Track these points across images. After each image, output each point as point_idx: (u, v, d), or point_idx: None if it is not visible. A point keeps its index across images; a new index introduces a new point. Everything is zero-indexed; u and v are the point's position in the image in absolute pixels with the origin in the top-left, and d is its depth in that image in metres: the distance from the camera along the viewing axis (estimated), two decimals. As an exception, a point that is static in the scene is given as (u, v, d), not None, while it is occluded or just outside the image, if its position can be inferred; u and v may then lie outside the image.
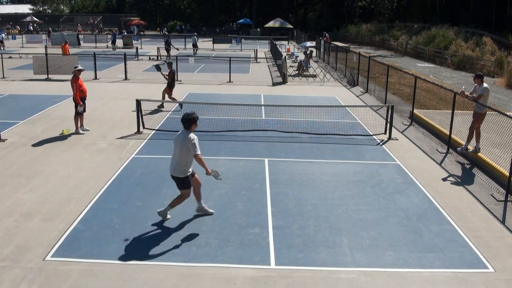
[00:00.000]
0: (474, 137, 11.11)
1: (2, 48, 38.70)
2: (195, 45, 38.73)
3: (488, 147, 11.04)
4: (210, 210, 7.73)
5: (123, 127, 13.22)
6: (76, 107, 12.44)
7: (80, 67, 12.56)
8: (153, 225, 7.30)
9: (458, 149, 11.40)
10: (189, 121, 7.06)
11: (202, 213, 7.70)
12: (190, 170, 7.26)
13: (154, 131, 12.81)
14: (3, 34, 42.43)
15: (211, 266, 6.18)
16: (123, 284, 5.75)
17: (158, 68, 16.30)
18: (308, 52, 30.34)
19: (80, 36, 46.81)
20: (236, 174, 9.65)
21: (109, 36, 46.35)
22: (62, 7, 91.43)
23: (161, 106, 15.84)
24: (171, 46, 32.45)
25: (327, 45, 33.60)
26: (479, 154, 10.81)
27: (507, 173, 8.83)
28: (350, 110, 15.88)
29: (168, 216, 7.52)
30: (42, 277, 5.83)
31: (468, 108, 12.39)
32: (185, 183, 7.25)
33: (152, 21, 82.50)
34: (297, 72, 25.88)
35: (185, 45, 43.68)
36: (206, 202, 8.18)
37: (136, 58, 31.04)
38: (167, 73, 15.85)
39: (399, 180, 9.59)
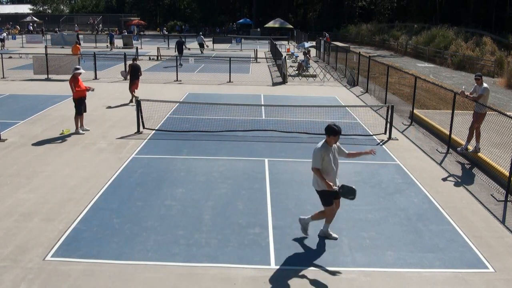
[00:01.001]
0: (474, 137, 11.11)
1: (2, 48, 38.77)
2: (202, 45, 38.68)
3: (488, 147, 11.04)
4: (334, 235, 7.04)
5: (123, 127, 13.22)
6: (75, 106, 12.45)
7: (80, 71, 12.54)
8: (153, 225, 7.30)
9: (458, 149, 11.40)
10: (325, 130, 6.57)
11: (322, 236, 7.04)
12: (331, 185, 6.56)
13: (154, 131, 12.81)
14: (5, 34, 42.56)
15: (211, 266, 6.17)
16: (123, 284, 5.75)
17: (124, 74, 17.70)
18: (306, 51, 30.35)
19: (80, 36, 46.83)
20: (236, 174, 9.65)
21: (107, 36, 46.33)
22: (62, 7, 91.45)
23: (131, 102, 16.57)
24: (184, 47, 30.01)
25: (327, 45, 33.60)
26: (479, 154, 10.81)
27: (507, 173, 8.83)
28: (350, 110, 15.88)
29: (334, 235, 7.01)
30: (42, 277, 5.83)
31: (468, 108, 12.39)
32: (321, 198, 6.74)
33: (152, 21, 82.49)
34: (297, 72, 25.88)
35: (185, 45, 43.62)
36: (206, 202, 8.20)
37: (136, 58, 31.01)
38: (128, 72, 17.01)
39: (399, 180, 9.58)
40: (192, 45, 43.85)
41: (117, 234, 6.97)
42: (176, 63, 23.61)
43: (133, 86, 16.81)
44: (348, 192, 6.51)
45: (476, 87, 11.06)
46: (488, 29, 40.17)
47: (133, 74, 16.74)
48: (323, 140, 6.61)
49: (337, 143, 6.69)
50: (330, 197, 6.68)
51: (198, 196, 8.44)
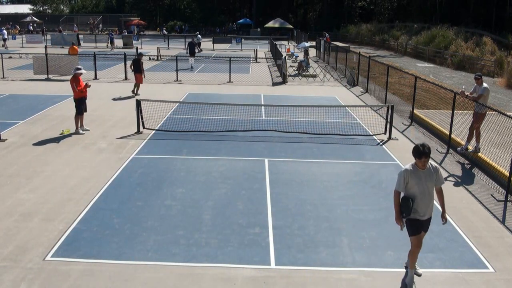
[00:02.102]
0: (474, 137, 11.11)
1: (5, 47, 38.91)
2: (199, 45, 38.76)
3: (488, 147, 11.04)
4: (419, 271, 6.15)
5: (123, 127, 13.22)
6: (76, 106, 12.46)
7: (81, 71, 12.54)
8: (153, 225, 7.30)
9: (458, 149, 11.40)
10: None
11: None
12: (414, 212, 5.65)
13: (154, 131, 12.81)
14: (5, 32, 42.79)
15: (211, 266, 6.18)
16: (123, 284, 5.75)
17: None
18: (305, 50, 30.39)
19: (80, 36, 46.85)
20: (236, 174, 9.65)
21: (108, 36, 46.35)
22: (62, 7, 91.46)
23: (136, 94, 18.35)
24: (196, 49, 28.75)
25: (327, 45, 33.60)
26: (479, 154, 10.80)
27: (507, 173, 8.83)
28: (350, 110, 15.88)
29: (419, 271, 6.14)
30: (42, 277, 5.83)
31: (468, 108, 12.39)
32: (407, 227, 5.79)
33: (152, 21, 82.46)
34: (297, 72, 25.89)
35: (185, 45, 43.68)
36: (206, 202, 8.19)
37: (136, 58, 31.00)
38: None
39: (399, 180, 9.57)
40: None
41: (117, 234, 6.97)
42: (176, 64, 23.55)
43: (135, 79, 18.42)
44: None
45: (476, 87, 11.06)
46: (488, 29, 40.16)
47: (134, 68, 18.37)
48: (413, 161, 5.69)
49: (438, 167, 5.73)
50: (415, 226, 5.71)
51: (198, 196, 8.44)
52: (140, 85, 18.53)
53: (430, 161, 5.65)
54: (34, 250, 6.47)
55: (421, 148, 5.45)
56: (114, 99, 17.45)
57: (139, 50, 33.74)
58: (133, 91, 18.54)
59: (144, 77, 18.67)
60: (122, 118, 14.27)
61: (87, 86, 12.51)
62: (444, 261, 6.45)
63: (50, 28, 65.32)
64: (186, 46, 30.20)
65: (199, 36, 40.67)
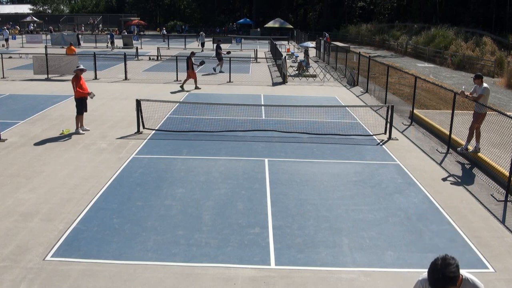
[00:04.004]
0: (474, 137, 11.11)
1: (5, 47, 39.02)
2: (203, 44, 38.89)
3: (488, 147, 11.04)
4: None
5: (123, 127, 13.22)
6: (77, 106, 12.46)
7: (81, 67, 12.57)
8: (153, 225, 7.30)
9: (458, 149, 11.40)
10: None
11: None
12: None
13: (154, 131, 12.81)
14: (8, 31, 42.99)
15: (211, 266, 6.18)
16: (123, 284, 5.75)
17: (202, 62, 22.03)
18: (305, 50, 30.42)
19: (80, 36, 46.88)
20: (236, 174, 9.65)
21: (108, 36, 46.40)
22: (62, 7, 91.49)
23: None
24: (222, 53, 26.44)
25: (327, 45, 33.59)
26: (479, 154, 10.80)
27: (507, 173, 8.83)
28: (350, 110, 15.87)
29: None
30: (42, 277, 5.83)
31: (468, 108, 12.39)
32: None
33: (152, 21, 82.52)
34: (297, 72, 25.89)
35: (185, 45, 43.72)
36: (206, 202, 8.19)
37: (136, 58, 31.03)
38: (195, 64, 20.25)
39: (399, 180, 9.58)
40: (192, 45, 43.97)
41: (117, 234, 6.97)
42: (176, 64, 23.52)
43: (187, 76, 20.06)
44: None
45: (476, 87, 11.05)
46: (488, 29, 40.16)
47: (187, 66, 19.97)
48: None
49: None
50: None
51: (198, 196, 8.44)
52: (188, 81, 20.06)
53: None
54: (34, 250, 6.47)
55: (434, 273, 3.47)
56: (114, 99, 17.45)
57: (139, 51, 33.82)
58: (196, 88, 20.04)
59: (193, 71, 19.87)
60: (122, 118, 14.27)
61: (90, 95, 12.41)
62: (444, 261, 6.44)
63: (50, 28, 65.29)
64: (215, 49, 28.94)
65: (203, 35, 40.90)
